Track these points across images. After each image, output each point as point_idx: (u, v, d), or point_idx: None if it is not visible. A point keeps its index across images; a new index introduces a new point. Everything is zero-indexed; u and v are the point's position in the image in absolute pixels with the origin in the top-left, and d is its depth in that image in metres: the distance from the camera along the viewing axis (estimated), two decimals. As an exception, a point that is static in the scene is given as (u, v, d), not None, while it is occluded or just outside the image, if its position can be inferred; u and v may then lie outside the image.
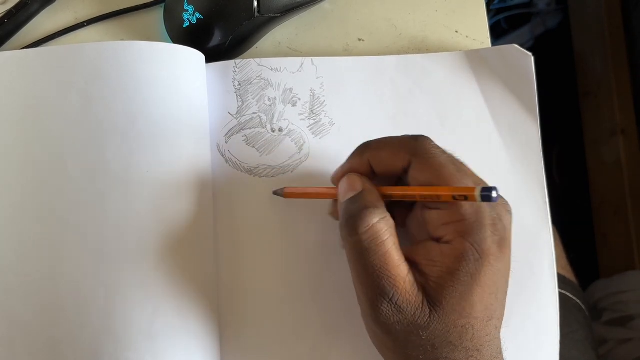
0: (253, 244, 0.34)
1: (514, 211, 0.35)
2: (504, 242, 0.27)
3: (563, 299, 0.40)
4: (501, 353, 0.28)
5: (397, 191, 0.28)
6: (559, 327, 0.34)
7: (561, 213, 0.99)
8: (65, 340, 0.30)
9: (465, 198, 0.26)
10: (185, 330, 0.31)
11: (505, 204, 0.28)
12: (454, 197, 0.26)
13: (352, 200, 0.28)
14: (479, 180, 0.28)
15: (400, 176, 0.30)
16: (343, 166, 0.31)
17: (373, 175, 0.30)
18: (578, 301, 0.58)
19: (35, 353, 0.30)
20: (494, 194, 0.25)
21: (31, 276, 0.31)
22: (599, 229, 1.04)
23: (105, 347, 0.30)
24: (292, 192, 0.33)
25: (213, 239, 0.34)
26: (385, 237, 0.27)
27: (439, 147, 0.28)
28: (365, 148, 0.30)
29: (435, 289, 0.26)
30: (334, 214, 0.32)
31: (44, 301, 0.31)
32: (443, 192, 0.26)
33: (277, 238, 0.34)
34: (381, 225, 0.27)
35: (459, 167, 0.27)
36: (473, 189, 0.25)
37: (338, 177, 0.30)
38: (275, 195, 0.34)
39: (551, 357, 0.34)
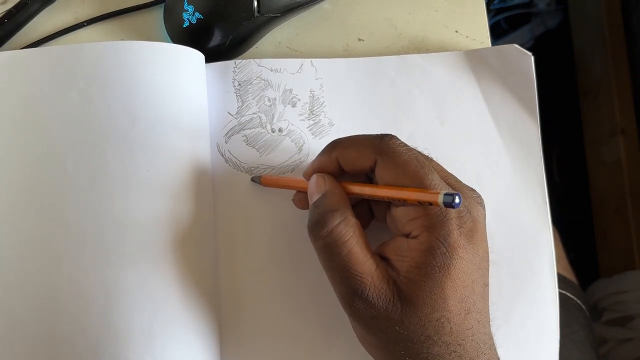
0: (253, 244, 0.34)
1: (514, 211, 0.35)
2: (473, 234, 0.27)
3: (563, 299, 0.40)
4: (491, 349, 0.27)
5: (366, 190, 0.29)
6: (559, 327, 0.34)
7: (561, 213, 0.99)
8: (65, 340, 0.30)
9: (430, 204, 0.26)
10: (185, 330, 0.31)
11: (476, 196, 0.28)
12: (419, 202, 0.26)
13: (315, 204, 0.29)
14: (446, 175, 0.29)
15: (368, 174, 0.30)
16: (313, 163, 0.31)
17: (342, 172, 0.30)
18: (578, 301, 0.58)
19: (34, 353, 0.30)
20: (456, 200, 0.25)
21: (31, 276, 0.31)
22: (599, 229, 1.04)
23: (105, 347, 0.30)
24: (269, 180, 0.34)
25: (213, 238, 0.34)
26: (347, 238, 0.27)
27: (404, 145, 0.28)
28: (334, 146, 0.30)
29: (406, 283, 0.26)
30: (297, 203, 0.33)
31: (44, 301, 0.31)
32: (409, 196, 0.26)
33: (277, 238, 0.34)
34: (341, 228, 0.27)
35: (423, 164, 0.27)
36: (436, 195, 0.25)
37: (308, 173, 0.31)
38: (275, 192, 0.34)
39: (551, 357, 0.34)
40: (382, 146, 0.28)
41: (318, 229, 0.28)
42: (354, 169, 0.30)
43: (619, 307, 0.71)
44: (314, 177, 0.30)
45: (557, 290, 0.35)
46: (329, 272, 0.28)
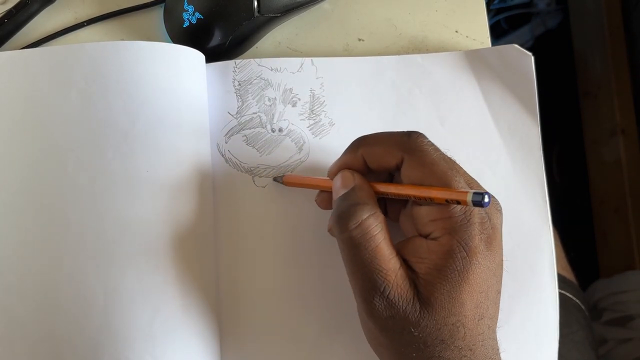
0: (253, 244, 0.34)
1: (514, 211, 0.35)
2: (492, 241, 0.27)
3: (563, 299, 0.40)
4: (498, 354, 0.27)
5: (391, 189, 0.29)
6: (559, 327, 0.34)
7: (561, 213, 0.99)
8: (65, 340, 0.30)
9: (458, 202, 0.26)
10: (185, 330, 0.31)
11: (496, 203, 0.28)
12: (447, 201, 0.26)
13: (343, 197, 0.29)
14: (470, 179, 0.28)
15: (394, 172, 0.30)
16: (338, 161, 0.31)
17: (367, 171, 0.30)
18: (578, 301, 0.58)
19: (34, 353, 0.30)
20: (485, 199, 0.24)
21: (31, 276, 0.31)
22: (599, 229, 1.04)
23: (105, 347, 0.30)
24: (291, 180, 0.34)
25: (213, 239, 0.34)
26: (375, 232, 0.27)
27: (432, 144, 0.28)
28: (360, 144, 0.30)
29: (425, 285, 0.26)
30: (320, 203, 0.33)
31: (44, 301, 0.31)
32: (436, 194, 0.26)
33: (277, 238, 0.34)
34: (370, 221, 0.27)
35: (451, 165, 0.27)
36: (465, 194, 0.25)
37: (333, 171, 0.31)
38: (275, 192, 0.34)
39: (550, 357, 0.34)
40: (409, 144, 0.28)
41: (346, 220, 0.27)
42: (380, 166, 0.29)
43: (619, 307, 0.71)
44: (340, 173, 0.30)
45: (557, 290, 0.35)
46: (351, 266, 0.27)
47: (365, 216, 0.27)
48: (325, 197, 0.32)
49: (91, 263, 0.31)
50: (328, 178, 0.32)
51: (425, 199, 0.27)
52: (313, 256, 0.34)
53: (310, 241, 0.34)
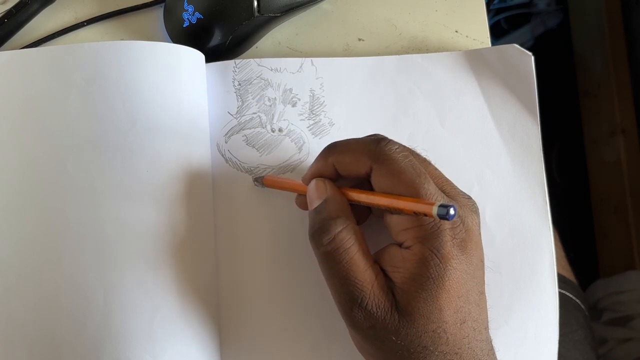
0: (253, 244, 0.34)
1: (514, 211, 0.36)
2: (467, 244, 0.26)
3: (563, 299, 0.40)
4: (489, 355, 0.27)
5: (362, 198, 0.28)
6: (559, 327, 0.34)
7: (561, 213, 0.99)
8: (65, 340, 0.30)
9: (425, 215, 0.26)
10: (185, 330, 0.31)
11: (471, 204, 0.28)
12: (414, 213, 0.26)
13: (316, 210, 0.29)
14: (443, 182, 0.28)
15: (367, 178, 0.30)
16: (310, 168, 0.31)
17: (340, 177, 0.30)
18: (578, 301, 0.58)
19: (34, 353, 0.30)
20: (451, 212, 0.24)
21: (31, 276, 0.31)
22: (599, 229, 1.04)
23: (105, 347, 0.30)
24: (271, 181, 0.34)
25: (213, 238, 0.34)
26: (348, 245, 0.27)
27: (400, 151, 0.28)
28: (330, 151, 0.30)
29: (402, 294, 0.26)
30: (300, 205, 0.33)
31: (44, 301, 0.31)
32: (405, 206, 0.26)
33: (277, 238, 0.34)
34: (343, 235, 0.27)
35: (419, 172, 0.27)
36: (431, 207, 0.25)
37: (307, 179, 0.31)
38: (275, 192, 0.34)
39: (550, 357, 0.34)
40: (377, 152, 0.28)
41: (320, 235, 0.27)
42: (350, 174, 0.29)
43: (619, 307, 0.71)
44: (313, 182, 0.30)
45: (557, 290, 0.35)
46: (329, 279, 0.28)
47: (337, 230, 0.27)
48: (304, 199, 0.32)
49: (91, 263, 0.31)
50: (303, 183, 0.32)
51: (394, 209, 0.27)
52: (313, 256, 0.34)
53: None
